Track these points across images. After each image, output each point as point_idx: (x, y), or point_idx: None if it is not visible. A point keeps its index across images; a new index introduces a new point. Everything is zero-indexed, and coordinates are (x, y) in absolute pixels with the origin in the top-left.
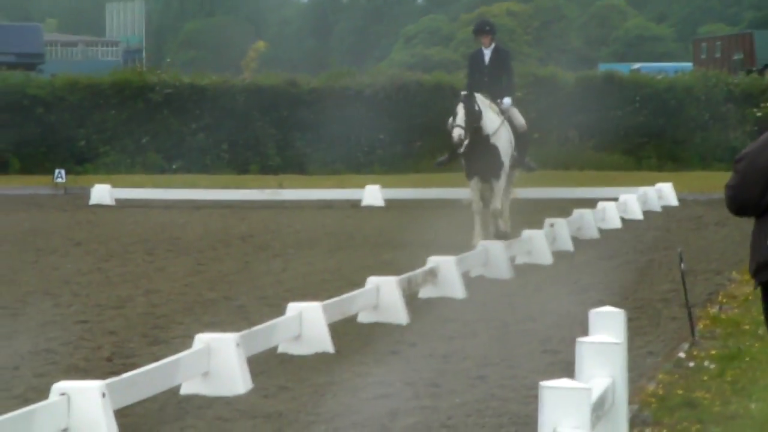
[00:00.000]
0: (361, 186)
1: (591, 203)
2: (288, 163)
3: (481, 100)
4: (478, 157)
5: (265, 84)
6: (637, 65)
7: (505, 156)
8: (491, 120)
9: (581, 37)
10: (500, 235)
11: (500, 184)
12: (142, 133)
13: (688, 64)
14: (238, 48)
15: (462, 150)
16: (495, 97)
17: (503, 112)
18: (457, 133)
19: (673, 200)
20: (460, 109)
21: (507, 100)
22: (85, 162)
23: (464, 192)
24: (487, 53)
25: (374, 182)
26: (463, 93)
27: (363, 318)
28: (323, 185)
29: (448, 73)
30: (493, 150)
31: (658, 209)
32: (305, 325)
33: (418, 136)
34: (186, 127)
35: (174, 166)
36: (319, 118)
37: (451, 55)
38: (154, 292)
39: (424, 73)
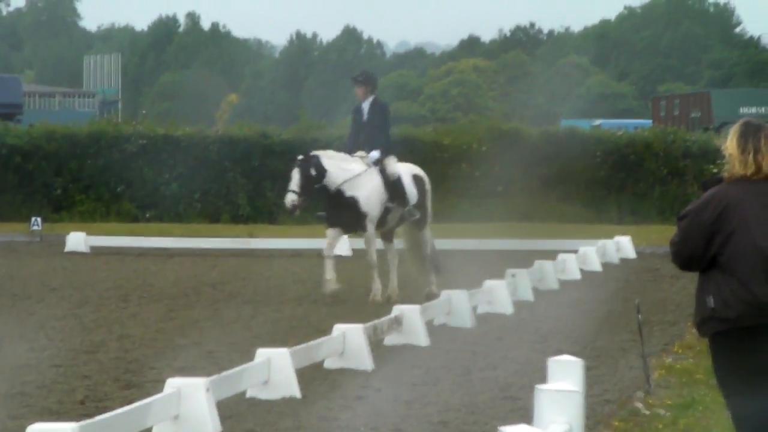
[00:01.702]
0: None
1: (551, 255)
2: (259, 213)
3: (331, 157)
4: (335, 209)
5: (237, 135)
6: (598, 121)
7: (367, 206)
8: (348, 173)
9: (545, 93)
10: (430, 296)
11: (369, 236)
12: (117, 183)
13: (648, 121)
14: (211, 100)
15: (296, 213)
16: (373, 149)
17: (379, 163)
18: (289, 198)
19: (631, 253)
20: (294, 174)
21: (373, 153)
22: (61, 210)
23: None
24: (365, 106)
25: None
26: (299, 158)
27: (329, 364)
28: (293, 234)
29: (415, 127)
30: (350, 202)
31: (617, 261)
32: (273, 370)
33: None
34: (160, 177)
35: (147, 215)
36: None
37: (419, 109)
38: (126, 338)
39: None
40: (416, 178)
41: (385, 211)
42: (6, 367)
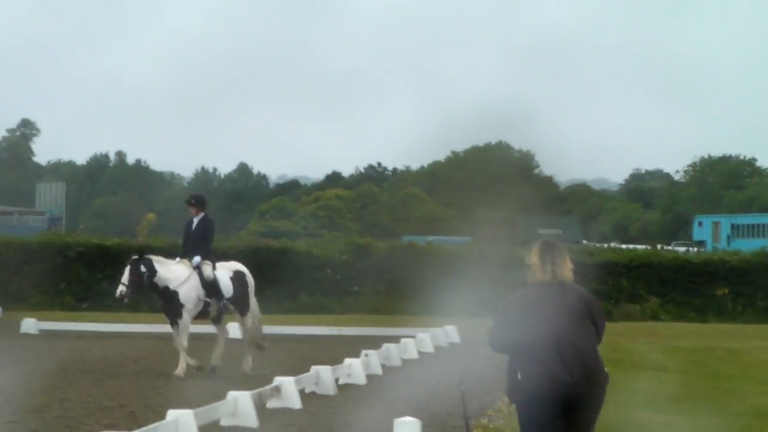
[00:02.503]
0: None
1: (395, 339)
2: None
3: (159, 261)
4: (165, 302)
5: (154, 245)
6: (430, 237)
7: (186, 300)
8: (173, 273)
9: (390, 215)
10: (244, 374)
11: (183, 322)
12: (61, 281)
13: (467, 238)
14: (134, 218)
15: (126, 301)
16: (195, 256)
17: (197, 267)
18: (119, 289)
19: (456, 339)
20: (126, 270)
21: (195, 258)
22: (17, 302)
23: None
24: (195, 221)
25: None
26: (132, 257)
27: (225, 422)
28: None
29: (291, 240)
30: (173, 296)
31: (446, 345)
32: (181, 427)
33: (269, 286)
34: (93, 277)
35: (84, 306)
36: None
37: (294, 226)
38: (65, 401)
39: (272, 240)
40: (237, 274)
41: (205, 305)
42: None
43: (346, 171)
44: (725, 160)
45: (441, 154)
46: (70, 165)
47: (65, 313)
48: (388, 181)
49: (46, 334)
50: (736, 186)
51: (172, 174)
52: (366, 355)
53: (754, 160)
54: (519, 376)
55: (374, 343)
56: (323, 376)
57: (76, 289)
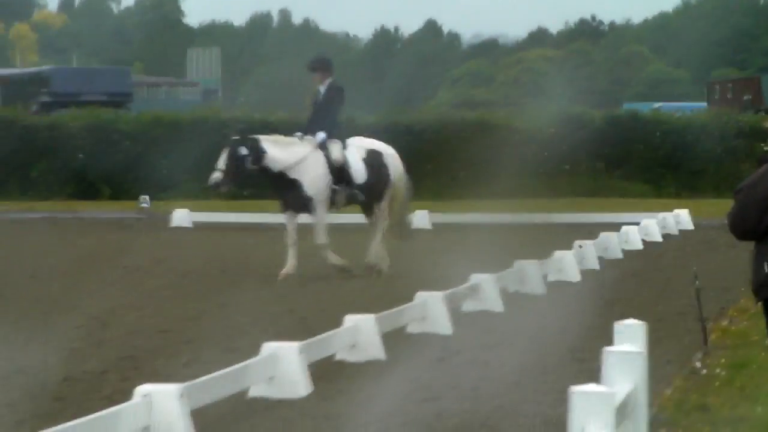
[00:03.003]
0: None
1: (616, 227)
2: None
3: (275, 140)
4: (281, 192)
5: None
6: (657, 104)
7: (311, 189)
8: (292, 155)
9: (607, 79)
10: (368, 268)
11: (317, 217)
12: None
13: (703, 104)
14: (302, 89)
15: (223, 190)
16: (319, 131)
17: (323, 147)
18: (214, 176)
19: (689, 225)
20: (223, 154)
21: (320, 135)
22: (167, 189)
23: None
24: (322, 90)
25: (424, 208)
26: (233, 138)
27: (412, 329)
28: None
29: (489, 111)
30: (294, 184)
31: (676, 233)
32: (360, 334)
33: (461, 167)
34: None
35: (245, 193)
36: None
37: (492, 95)
38: (226, 306)
39: (468, 111)
40: (372, 154)
41: (333, 193)
42: (117, 333)
43: (554, 27)
44: None
45: (669, 3)
46: (227, 27)
47: (224, 202)
48: (605, 38)
49: (200, 227)
50: None
51: (346, 35)
52: (580, 247)
53: None
54: (766, 268)
55: (590, 231)
56: (529, 273)
57: None
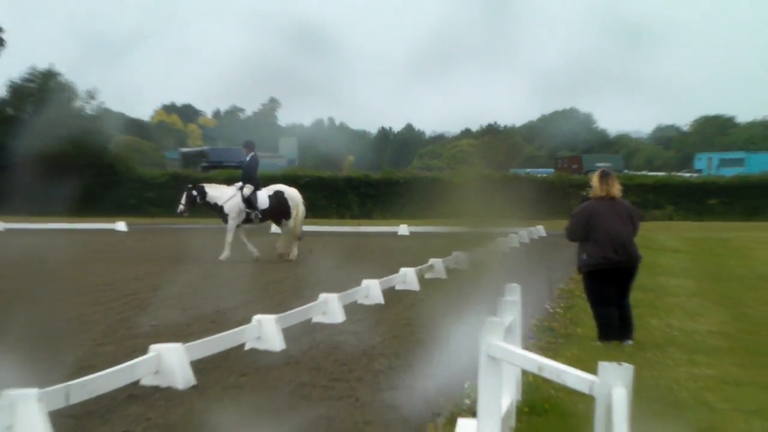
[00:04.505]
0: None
1: (505, 234)
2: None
3: (213, 186)
4: (218, 213)
5: (353, 175)
6: (528, 170)
7: (228, 209)
8: (221, 193)
9: (501, 157)
10: (281, 257)
11: (228, 226)
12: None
13: (551, 170)
14: (339, 159)
15: (185, 216)
16: (241, 183)
17: (240, 189)
18: (179, 208)
19: (543, 233)
20: (183, 195)
21: (238, 184)
22: None
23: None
24: (247, 158)
25: (404, 223)
26: (188, 185)
27: (398, 287)
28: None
29: (439, 172)
30: (221, 209)
31: (537, 237)
32: (371, 292)
33: (425, 202)
34: (315, 195)
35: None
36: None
37: (441, 164)
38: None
39: (428, 172)
40: (276, 193)
41: (247, 214)
42: None
43: (474, 127)
44: (717, 117)
45: (537, 113)
46: (300, 127)
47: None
48: (501, 134)
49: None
50: (723, 134)
51: (364, 131)
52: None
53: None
54: (584, 256)
55: (492, 236)
56: (460, 258)
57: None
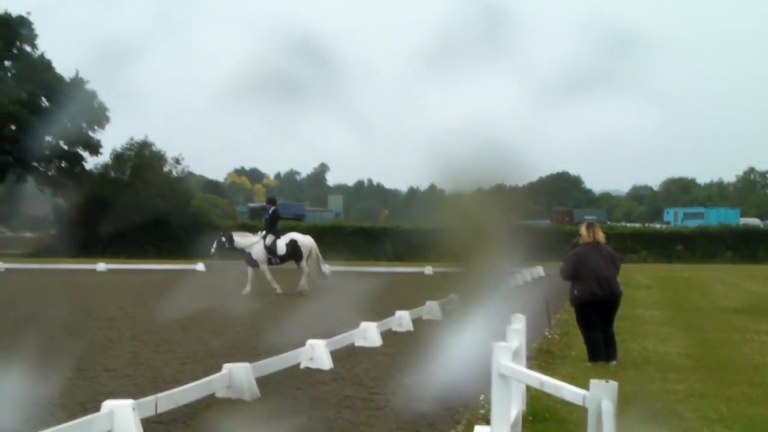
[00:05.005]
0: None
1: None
2: None
3: (241, 234)
4: (244, 258)
5: (388, 226)
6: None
7: (256, 255)
8: (247, 240)
9: None
10: (300, 294)
11: (261, 269)
12: (342, 248)
13: (548, 221)
14: (375, 213)
15: (216, 257)
16: (264, 231)
17: (263, 238)
18: (211, 251)
19: (543, 273)
20: (215, 242)
21: (261, 233)
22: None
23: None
24: (270, 210)
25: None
26: (220, 232)
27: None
28: None
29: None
30: (249, 254)
31: (537, 277)
32: (404, 322)
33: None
34: (357, 242)
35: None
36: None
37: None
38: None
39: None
40: (291, 241)
41: (268, 259)
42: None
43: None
44: (681, 179)
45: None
46: (345, 187)
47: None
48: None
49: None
50: (686, 193)
51: (396, 190)
52: None
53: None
54: (575, 292)
55: (499, 276)
56: (475, 293)
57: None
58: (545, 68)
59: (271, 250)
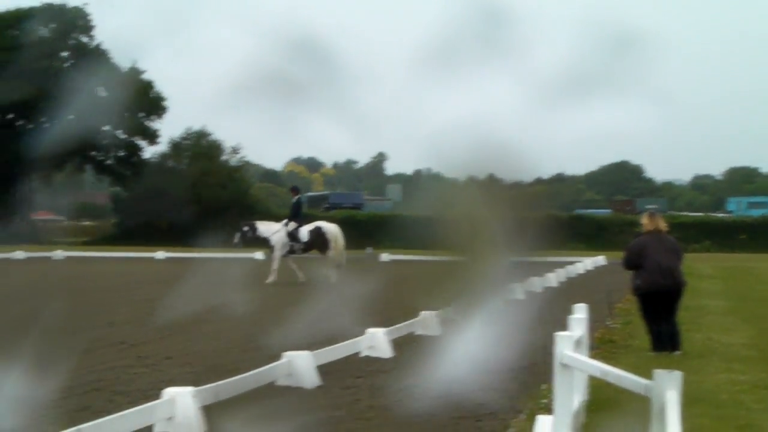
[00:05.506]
0: None
1: (572, 263)
2: None
3: (264, 222)
4: (268, 246)
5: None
6: (578, 210)
7: (274, 242)
8: (267, 229)
9: None
10: (326, 280)
11: (274, 255)
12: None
13: (609, 210)
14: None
15: (239, 247)
16: (287, 219)
17: (285, 225)
18: (234, 241)
19: (604, 262)
20: (238, 231)
21: (284, 221)
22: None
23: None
24: (293, 200)
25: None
26: (243, 222)
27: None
28: None
29: None
30: (269, 241)
31: (599, 265)
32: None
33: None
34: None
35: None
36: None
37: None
38: None
39: None
40: (315, 228)
41: (290, 246)
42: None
43: None
44: (744, 169)
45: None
46: (404, 175)
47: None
48: None
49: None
50: (749, 182)
51: (455, 179)
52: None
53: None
54: (638, 282)
55: (560, 265)
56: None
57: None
58: (545, 68)
59: (293, 236)
